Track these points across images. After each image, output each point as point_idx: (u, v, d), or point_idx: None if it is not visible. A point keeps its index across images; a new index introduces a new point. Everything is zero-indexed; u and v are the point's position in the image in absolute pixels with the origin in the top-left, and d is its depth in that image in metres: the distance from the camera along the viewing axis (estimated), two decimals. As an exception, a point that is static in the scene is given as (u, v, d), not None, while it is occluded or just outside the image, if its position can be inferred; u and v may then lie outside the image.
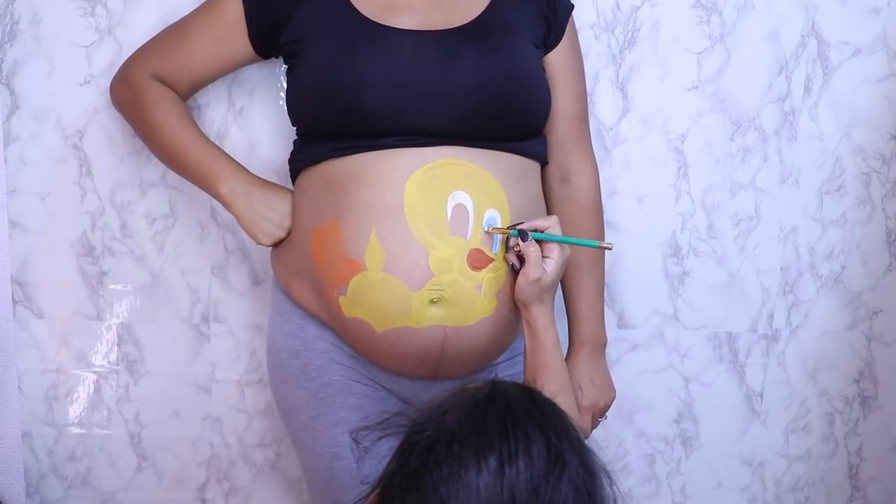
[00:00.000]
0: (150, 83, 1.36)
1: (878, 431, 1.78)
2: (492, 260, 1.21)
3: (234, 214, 1.33)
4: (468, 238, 1.20)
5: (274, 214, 1.31)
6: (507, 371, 1.33)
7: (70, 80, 1.50)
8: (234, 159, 1.36)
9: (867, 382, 1.75)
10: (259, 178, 1.35)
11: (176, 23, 1.38)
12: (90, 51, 1.50)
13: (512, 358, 1.34)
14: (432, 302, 1.19)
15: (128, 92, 1.39)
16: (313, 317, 1.30)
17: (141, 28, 1.48)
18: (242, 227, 1.33)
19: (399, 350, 1.23)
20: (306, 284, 1.29)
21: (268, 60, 1.39)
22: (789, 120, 1.62)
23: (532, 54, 1.31)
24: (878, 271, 1.71)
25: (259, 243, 1.33)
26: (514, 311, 1.25)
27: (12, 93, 1.50)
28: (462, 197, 1.20)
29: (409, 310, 1.19)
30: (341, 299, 1.22)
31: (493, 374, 1.30)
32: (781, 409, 1.75)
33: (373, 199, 1.20)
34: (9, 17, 1.48)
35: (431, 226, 1.19)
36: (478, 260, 1.20)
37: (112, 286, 1.58)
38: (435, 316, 1.20)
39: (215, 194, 1.34)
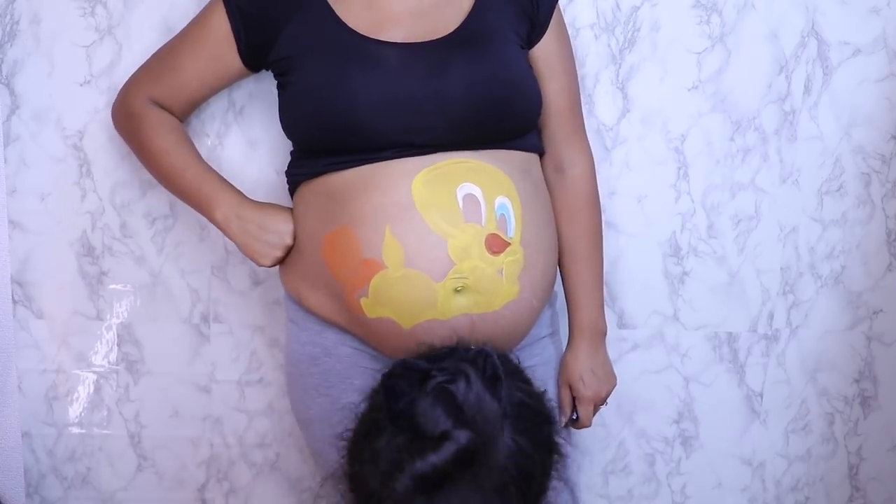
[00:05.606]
0: (146, 109, 1.36)
1: (878, 431, 1.78)
2: (508, 244, 1.21)
3: (230, 239, 1.34)
4: (483, 224, 1.19)
5: (271, 236, 1.31)
6: (527, 363, 1.33)
7: (70, 80, 1.50)
8: (229, 184, 1.36)
9: (867, 382, 1.75)
10: (254, 201, 1.35)
11: (166, 44, 1.38)
12: (90, 51, 1.50)
13: (532, 344, 1.34)
14: (457, 291, 1.18)
15: (125, 119, 1.39)
16: (331, 323, 1.30)
17: (141, 28, 1.48)
18: (241, 252, 1.34)
19: (427, 345, 1.21)
20: (321, 292, 1.28)
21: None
22: (789, 120, 1.62)
23: (519, 55, 1.31)
24: (878, 271, 1.71)
25: (259, 265, 1.34)
26: (535, 295, 1.25)
27: (12, 93, 1.51)
28: (470, 188, 1.20)
29: (435, 302, 1.19)
30: (363, 301, 1.22)
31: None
32: (781, 409, 1.75)
33: (382, 200, 1.20)
34: (9, 17, 1.48)
35: (445, 215, 1.18)
36: (495, 244, 1.20)
37: (112, 286, 1.58)
38: (461, 305, 1.19)
39: (211, 220, 1.34)
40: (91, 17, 1.49)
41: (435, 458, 0.89)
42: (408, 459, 0.90)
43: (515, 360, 1.09)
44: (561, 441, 1.04)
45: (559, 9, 1.39)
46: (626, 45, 1.57)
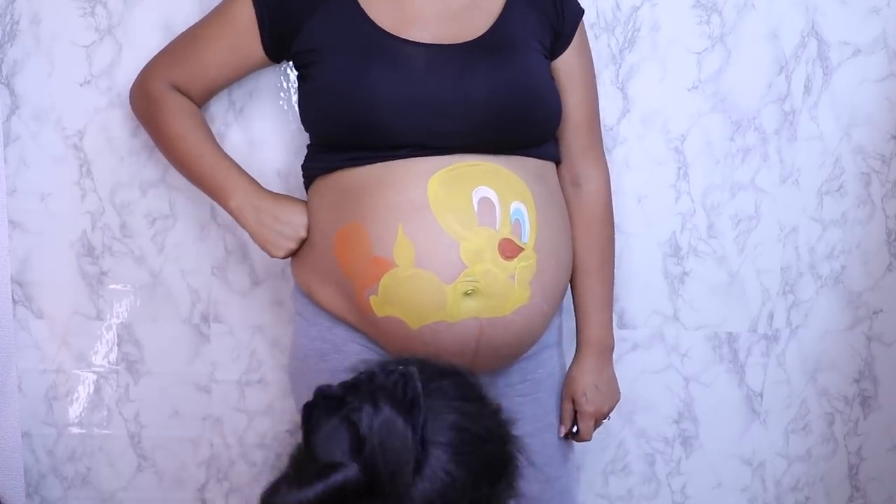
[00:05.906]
0: (165, 93, 1.35)
1: (878, 431, 1.78)
2: (522, 249, 1.20)
3: (244, 229, 1.33)
4: (497, 228, 1.19)
5: (285, 227, 1.31)
6: (536, 371, 1.33)
7: (70, 80, 1.50)
8: (245, 172, 1.35)
9: (867, 382, 1.76)
10: (269, 191, 1.35)
11: (188, 30, 1.38)
12: (90, 51, 1.50)
13: (537, 354, 1.33)
14: (466, 294, 1.18)
15: (144, 102, 1.39)
16: (340, 320, 1.29)
17: (141, 28, 1.48)
18: (255, 242, 1.33)
19: (435, 347, 1.20)
20: (331, 288, 1.28)
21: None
22: (789, 120, 1.62)
23: (542, 65, 1.31)
24: (878, 271, 1.71)
25: (272, 256, 1.33)
26: (546, 301, 1.24)
27: (12, 93, 1.50)
28: (486, 191, 1.20)
29: (444, 304, 1.18)
30: (372, 299, 1.21)
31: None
32: (781, 409, 1.75)
33: (396, 199, 1.19)
34: (9, 17, 1.48)
35: (459, 218, 1.18)
36: (509, 249, 1.19)
37: (112, 286, 1.58)
38: (470, 308, 1.19)
39: (226, 208, 1.34)
40: (91, 17, 1.49)
41: (302, 494, 0.81)
42: (284, 492, 0.83)
43: (475, 381, 0.99)
44: (515, 461, 0.95)
45: (583, 23, 1.39)
46: (626, 45, 1.57)
